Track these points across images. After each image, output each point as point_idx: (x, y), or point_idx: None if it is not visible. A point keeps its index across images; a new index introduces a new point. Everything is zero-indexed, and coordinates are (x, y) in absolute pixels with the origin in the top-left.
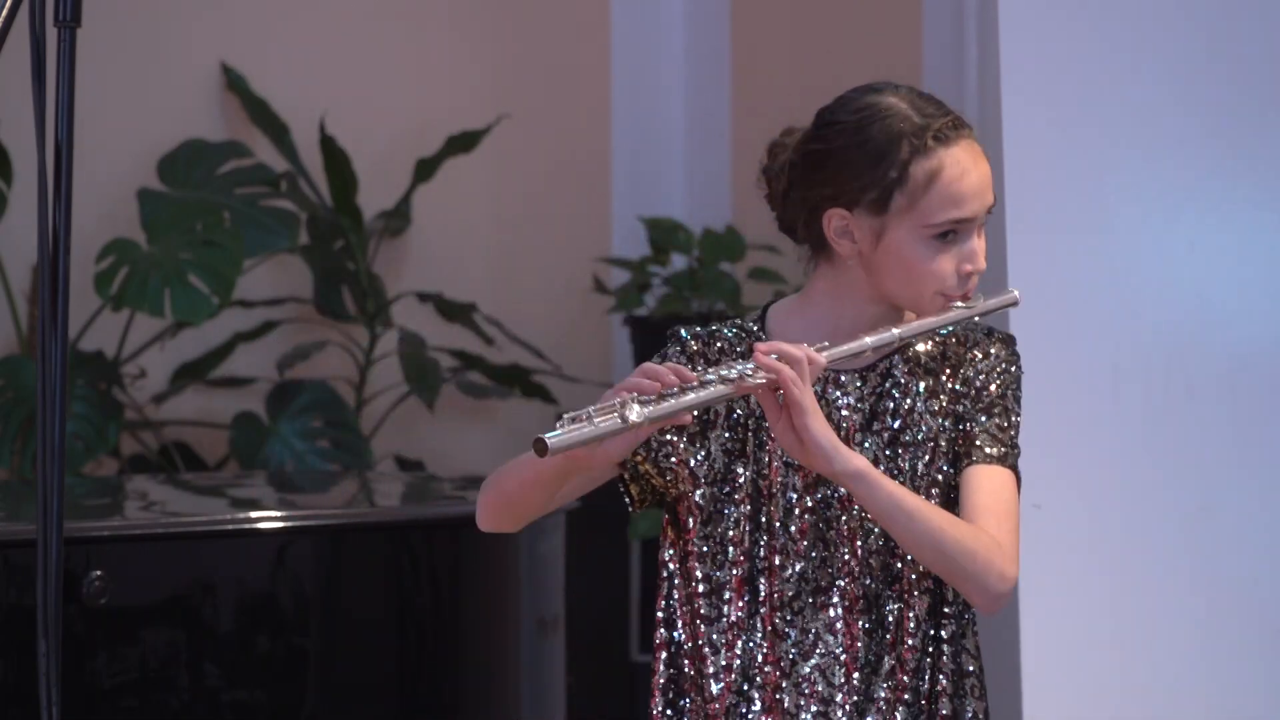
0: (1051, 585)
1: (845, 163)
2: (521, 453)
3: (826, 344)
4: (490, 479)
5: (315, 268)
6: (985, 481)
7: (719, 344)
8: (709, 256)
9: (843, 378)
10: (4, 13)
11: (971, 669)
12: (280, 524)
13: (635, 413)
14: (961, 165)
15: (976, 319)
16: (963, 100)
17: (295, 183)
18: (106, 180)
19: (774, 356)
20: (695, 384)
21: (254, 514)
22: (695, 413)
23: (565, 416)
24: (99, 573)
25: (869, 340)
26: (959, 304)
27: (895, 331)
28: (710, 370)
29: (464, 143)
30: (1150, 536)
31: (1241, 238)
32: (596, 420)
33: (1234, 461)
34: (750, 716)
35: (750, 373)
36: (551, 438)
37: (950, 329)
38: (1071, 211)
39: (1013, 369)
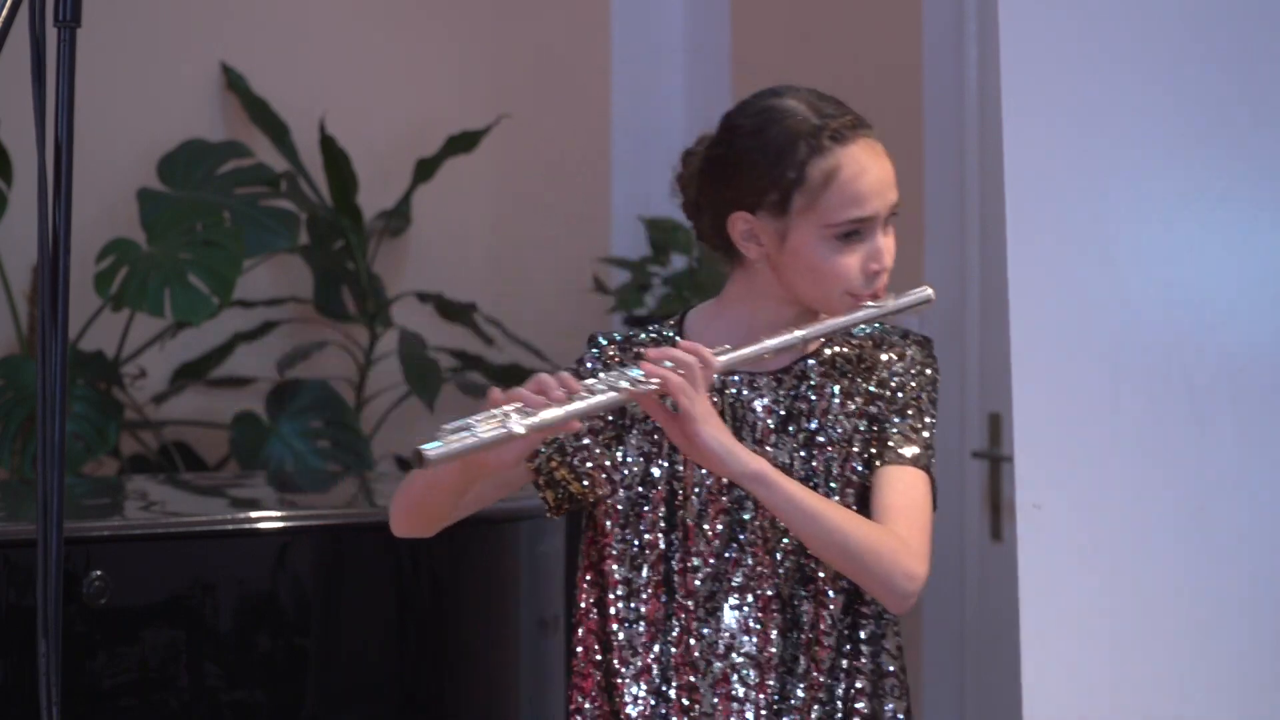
0: (1051, 585)
1: (745, 166)
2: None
3: (729, 347)
4: (400, 485)
5: (315, 268)
6: (896, 482)
7: (635, 350)
8: (708, 256)
9: (758, 380)
10: (4, 13)
11: (891, 669)
12: (280, 524)
13: (516, 423)
14: (859, 164)
15: (891, 320)
16: (963, 100)
17: (295, 183)
18: (106, 180)
19: (666, 363)
20: (583, 394)
21: (254, 514)
22: (593, 419)
23: (446, 427)
24: (99, 573)
25: (770, 343)
26: (869, 303)
27: (798, 333)
28: (602, 379)
29: (464, 143)
30: (1150, 536)
31: (1241, 238)
32: (478, 431)
33: (1234, 461)
34: (669, 717)
35: (641, 379)
36: (430, 449)
37: (865, 330)
38: (1071, 212)
39: (928, 371)
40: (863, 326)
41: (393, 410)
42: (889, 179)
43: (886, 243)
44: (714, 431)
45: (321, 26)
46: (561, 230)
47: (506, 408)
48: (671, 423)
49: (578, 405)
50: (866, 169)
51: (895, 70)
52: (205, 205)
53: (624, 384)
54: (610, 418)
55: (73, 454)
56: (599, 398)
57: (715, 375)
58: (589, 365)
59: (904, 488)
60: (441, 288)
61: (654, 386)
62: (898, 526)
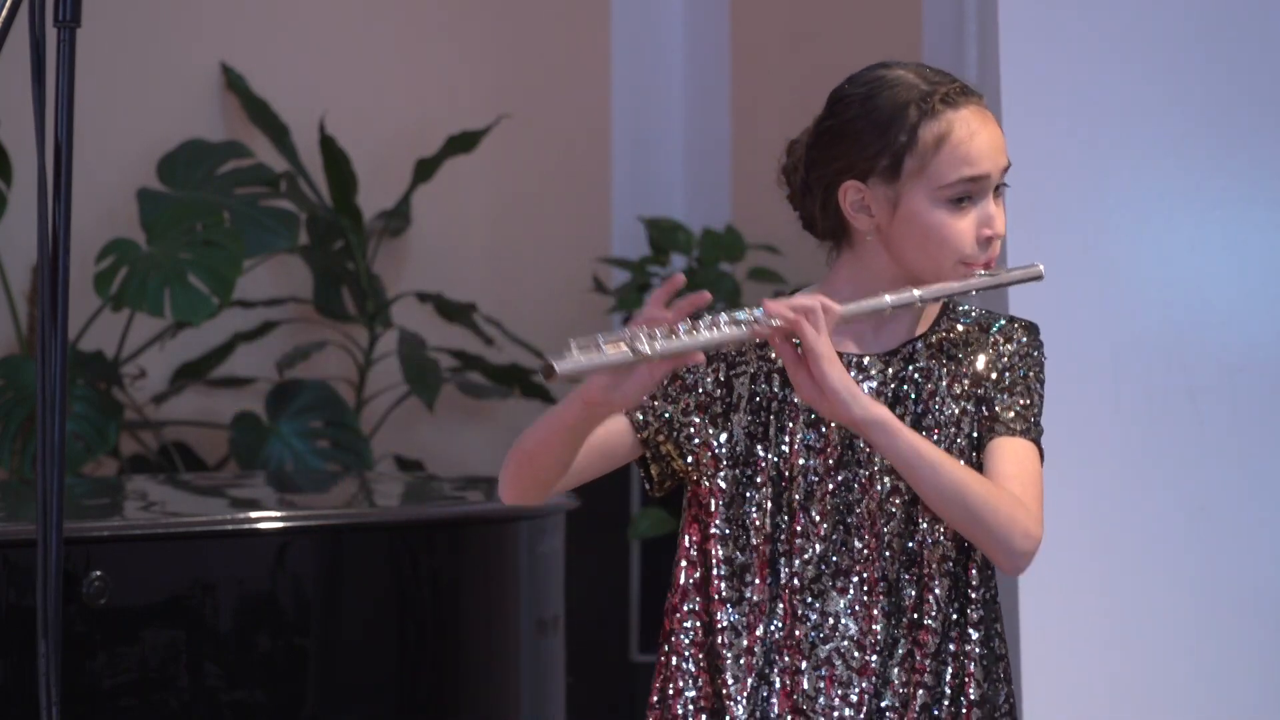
0: (1051, 585)
1: (856, 133)
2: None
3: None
4: (513, 447)
5: (315, 268)
6: (1009, 451)
7: None
8: (709, 256)
9: (865, 361)
10: (4, 13)
11: (1003, 653)
12: (280, 524)
13: (645, 344)
14: (970, 126)
15: (999, 296)
16: None
17: (295, 183)
18: (106, 180)
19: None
20: (708, 324)
21: (254, 514)
22: (708, 354)
23: (574, 343)
24: (99, 573)
25: (889, 298)
26: (982, 272)
27: (916, 292)
28: (726, 316)
29: (464, 143)
30: (1150, 536)
31: (1241, 238)
32: (605, 349)
33: (1234, 461)
34: (771, 699)
35: (763, 318)
36: (560, 362)
37: (972, 315)
38: (1071, 211)
39: (1035, 353)
40: (969, 311)
41: (393, 410)
42: (1000, 143)
43: (999, 211)
44: (839, 374)
45: (321, 26)
46: (561, 230)
47: (634, 329)
48: (797, 363)
49: (704, 336)
50: (977, 131)
51: None
52: (205, 205)
53: (748, 318)
54: (718, 394)
55: (73, 454)
56: (724, 331)
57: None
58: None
59: (1017, 457)
60: (441, 288)
61: (778, 324)
62: (1014, 489)
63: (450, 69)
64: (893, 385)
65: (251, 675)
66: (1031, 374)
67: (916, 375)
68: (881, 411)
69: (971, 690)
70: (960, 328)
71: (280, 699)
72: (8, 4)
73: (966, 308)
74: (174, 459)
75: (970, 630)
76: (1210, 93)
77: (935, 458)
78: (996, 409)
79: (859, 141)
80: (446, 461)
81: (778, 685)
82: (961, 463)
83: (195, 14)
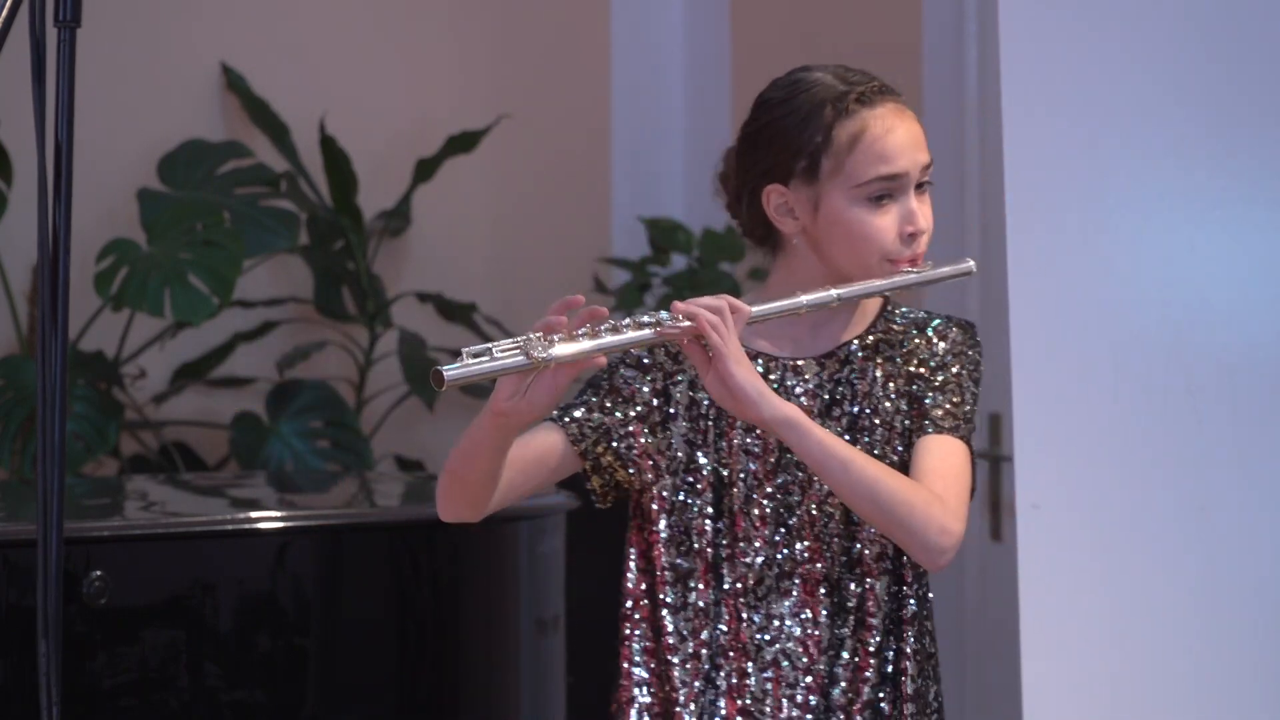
0: (1051, 585)
1: (775, 136)
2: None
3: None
4: (443, 468)
5: (315, 268)
6: (935, 447)
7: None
8: (709, 256)
9: (801, 364)
10: (4, 13)
11: (933, 651)
12: (280, 524)
13: (541, 349)
14: (885, 124)
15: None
16: (963, 100)
17: (295, 183)
18: (106, 180)
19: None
20: (610, 327)
21: (254, 514)
22: (618, 355)
23: (467, 351)
24: (99, 573)
25: (805, 298)
26: (908, 269)
27: (835, 291)
28: (632, 319)
29: (464, 143)
30: (1150, 536)
31: (1241, 238)
32: (498, 355)
33: (1234, 461)
34: (718, 702)
35: (669, 319)
36: (448, 370)
37: (908, 314)
38: (1071, 211)
39: (969, 352)
40: (908, 312)
41: (393, 410)
42: (918, 139)
43: (922, 207)
44: (747, 374)
45: (321, 26)
46: (561, 230)
47: (531, 335)
48: (706, 364)
49: (606, 340)
50: (893, 128)
51: (895, 70)
52: (205, 205)
53: (652, 320)
54: (656, 403)
55: (73, 454)
56: (629, 334)
57: (762, 368)
58: (637, 354)
59: (943, 454)
60: (441, 288)
61: (685, 325)
62: (935, 486)
63: (450, 69)
64: (829, 387)
65: (251, 675)
66: (964, 372)
67: (852, 376)
68: (791, 410)
69: (907, 685)
70: (896, 328)
71: (280, 699)
72: (8, 4)
73: (906, 309)
74: (174, 459)
75: (905, 627)
76: (1210, 93)
77: (846, 455)
78: (926, 406)
79: (778, 144)
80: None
81: (724, 688)
82: (877, 460)
83: (195, 14)
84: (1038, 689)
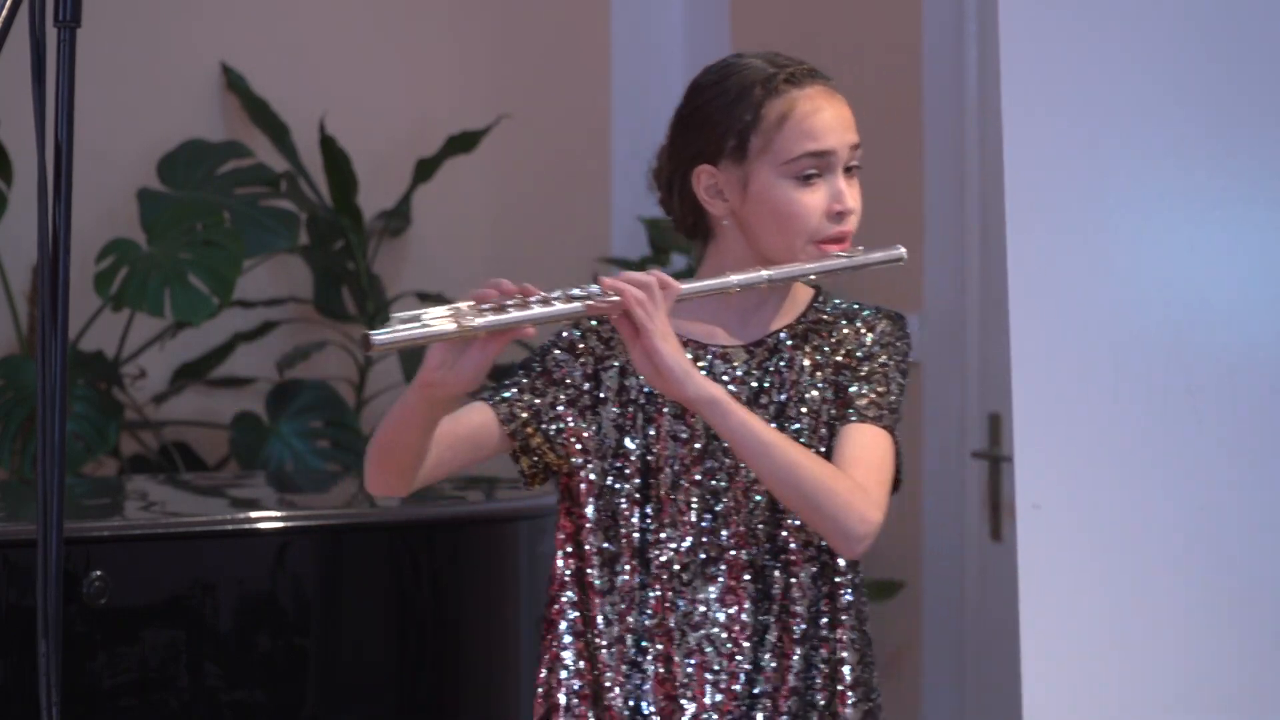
0: (1051, 585)
1: (705, 118)
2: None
3: (692, 281)
4: (371, 439)
5: (315, 268)
6: (857, 436)
7: (610, 329)
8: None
9: (731, 351)
10: (4, 13)
11: (854, 639)
12: (280, 524)
13: (471, 317)
14: (814, 103)
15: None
16: (963, 100)
17: (295, 183)
18: (106, 180)
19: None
20: (540, 300)
21: (254, 514)
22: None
23: (395, 316)
24: (99, 573)
25: (734, 278)
26: (837, 252)
27: (765, 273)
28: (560, 293)
29: (464, 143)
30: (1150, 536)
31: (1241, 238)
32: (429, 321)
33: (1234, 461)
34: (644, 686)
35: (599, 293)
36: (377, 334)
37: (838, 304)
38: (1071, 211)
39: (898, 344)
40: (840, 303)
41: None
42: (847, 120)
43: (850, 189)
44: (672, 351)
45: (321, 26)
46: (561, 230)
47: (461, 304)
48: (634, 340)
49: (535, 311)
50: (822, 108)
51: (895, 70)
52: (205, 205)
53: (582, 294)
54: (586, 387)
55: (73, 454)
56: (558, 307)
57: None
58: (570, 338)
59: (865, 442)
60: (441, 288)
61: (613, 300)
62: (856, 475)
63: (450, 69)
64: (757, 374)
65: (251, 675)
66: (891, 363)
67: (781, 364)
68: (715, 390)
69: (846, 673)
70: (826, 318)
71: (280, 699)
72: (8, 4)
73: (838, 301)
74: (174, 459)
75: (841, 614)
76: (1210, 93)
77: (768, 438)
78: (851, 395)
79: (708, 125)
80: None
81: (650, 672)
82: (801, 445)
83: (195, 14)
84: (1038, 689)
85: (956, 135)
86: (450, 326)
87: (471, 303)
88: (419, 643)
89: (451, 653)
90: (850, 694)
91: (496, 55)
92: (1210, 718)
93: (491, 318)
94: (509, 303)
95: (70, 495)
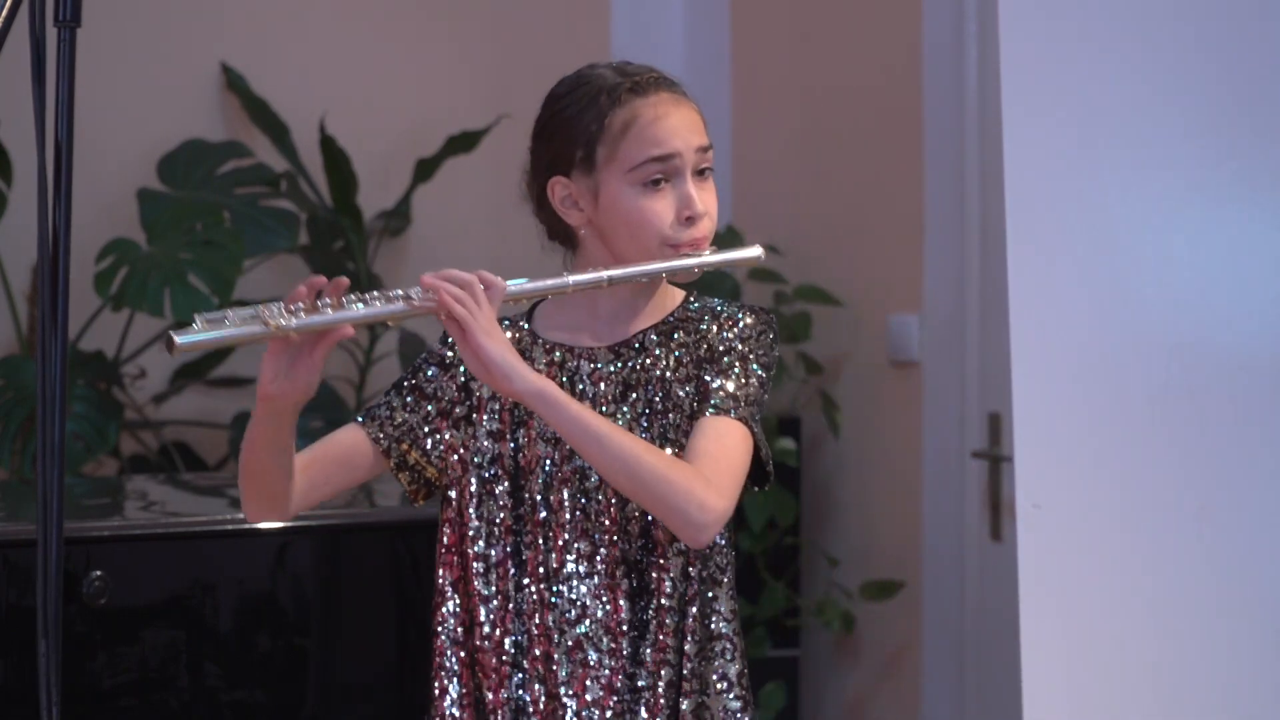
0: (1051, 585)
1: (556, 129)
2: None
3: (524, 280)
4: None
5: (315, 268)
6: (709, 429)
7: None
8: None
9: (597, 353)
10: (4, 13)
11: (725, 630)
12: (280, 524)
13: (277, 318)
14: (658, 110)
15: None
16: (963, 100)
17: (295, 183)
18: (106, 180)
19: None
20: (358, 299)
21: None
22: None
23: (199, 317)
24: (99, 573)
25: (571, 278)
26: (688, 253)
27: (605, 273)
28: (380, 293)
29: (464, 143)
30: (1150, 536)
31: (1241, 238)
32: (232, 322)
33: (1234, 461)
34: (526, 687)
35: (420, 294)
36: (180, 334)
37: (706, 303)
38: (1071, 211)
39: (760, 338)
40: (707, 301)
41: None
42: (693, 124)
43: (702, 193)
44: (498, 346)
45: (321, 26)
46: None
47: (273, 305)
48: (462, 337)
49: (352, 311)
50: (666, 114)
51: (895, 70)
52: (205, 205)
53: (402, 294)
54: (459, 399)
55: (73, 454)
56: (376, 307)
57: (543, 350)
58: (440, 354)
59: (717, 434)
60: None
61: (432, 302)
62: (703, 466)
63: (450, 69)
64: (624, 375)
65: (251, 675)
66: (751, 356)
67: (647, 363)
68: (544, 384)
69: (727, 667)
70: (692, 315)
71: (280, 699)
72: (8, 4)
73: (709, 300)
74: (174, 459)
75: (690, 608)
76: (1210, 93)
77: (602, 429)
78: (709, 387)
79: (559, 136)
80: None
81: (531, 673)
82: (634, 436)
83: (195, 14)
84: (1038, 689)
85: (956, 135)
86: (257, 328)
87: (279, 304)
88: (419, 643)
89: None
90: (685, 685)
91: (496, 55)
92: (1210, 718)
93: (304, 319)
94: (324, 302)
95: (70, 495)
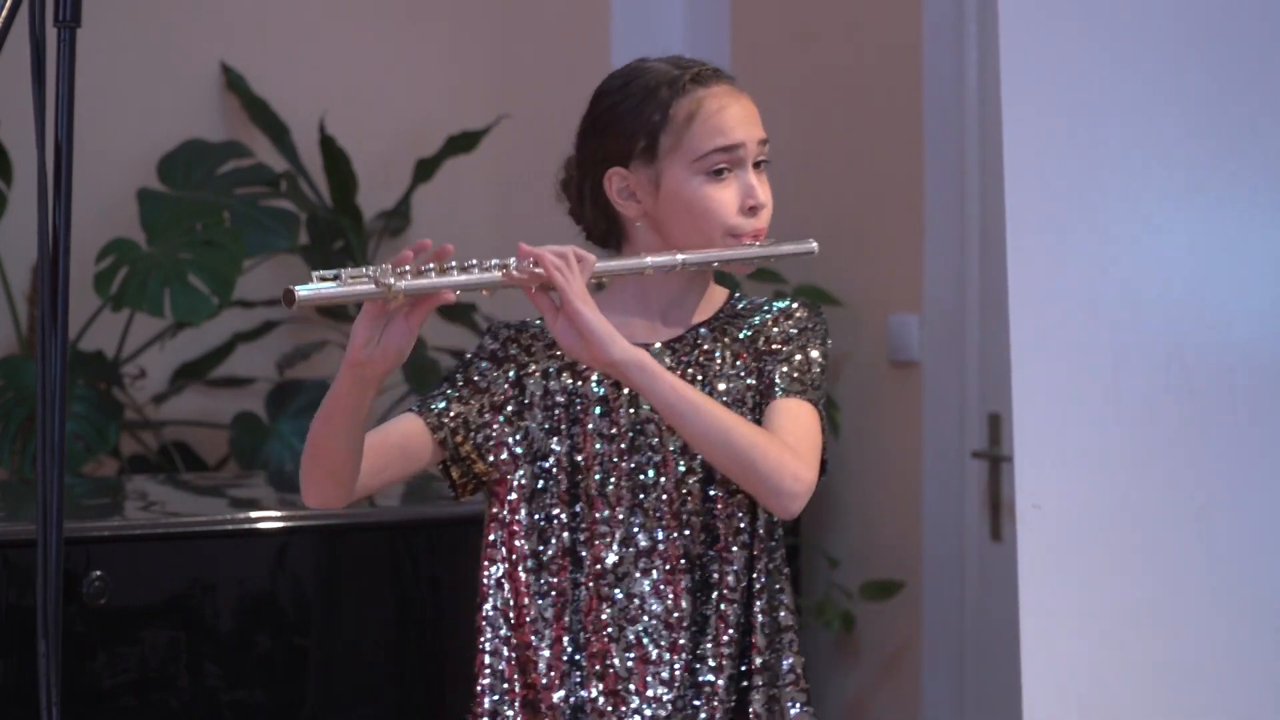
0: (1051, 585)
1: (613, 121)
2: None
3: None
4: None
5: (315, 268)
6: (782, 410)
7: (530, 332)
8: None
9: (652, 349)
10: (4, 13)
11: (790, 623)
12: (280, 524)
13: (389, 278)
14: (720, 100)
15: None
16: (963, 100)
17: (295, 183)
18: (106, 180)
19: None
20: (459, 266)
21: (254, 514)
22: (458, 293)
23: (316, 274)
24: (99, 573)
25: (649, 259)
26: (750, 242)
27: (679, 256)
28: (479, 261)
29: (464, 143)
30: (1150, 536)
31: (1241, 238)
32: (349, 279)
33: (1234, 461)
34: (583, 684)
35: (518, 262)
36: (302, 289)
37: (759, 299)
38: (1071, 211)
39: (814, 326)
40: (753, 299)
41: (393, 410)
42: (754, 116)
43: (760, 184)
44: (594, 314)
45: (321, 26)
46: (561, 230)
47: (385, 265)
48: (554, 312)
49: (455, 277)
50: (728, 104)
51: (895, 70)
52: (205, 205)
53: (499, 263)
54: (512, 394)
55: (73, 454)
56: (476, 275)
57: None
58: (491, 348)
59: (791, 413)
60: None
61: (533, 269)
62: (786, 440)
63: (450, 69)
64: (679, 370)
65: (251, 675)
66: (809, 343)
67: (701, 358)
68: (640, 353)
69: (759, 659)
70: (742, 310)
71: (280, 699)
72: (8, 4)
73: (754, 298)
74: (174, 459)
75: (754, 600)
76: (1210, 93)
77: (697, 399)
78: (774, 375)
79: (616, 128)
80: None
81: (589, 670)
82: (726, 408)
83: (195, 14)
84: (1038, 689)
85: (956, 135)
86: (370, 287)
87: (388, 265)
88: (419, 643)
89: (451, 653)
90: (758, 677)
91: (496, 55)
92: (1210, 718)
93: (411, 281)
94: (428, 267)
95: (70, 495)
